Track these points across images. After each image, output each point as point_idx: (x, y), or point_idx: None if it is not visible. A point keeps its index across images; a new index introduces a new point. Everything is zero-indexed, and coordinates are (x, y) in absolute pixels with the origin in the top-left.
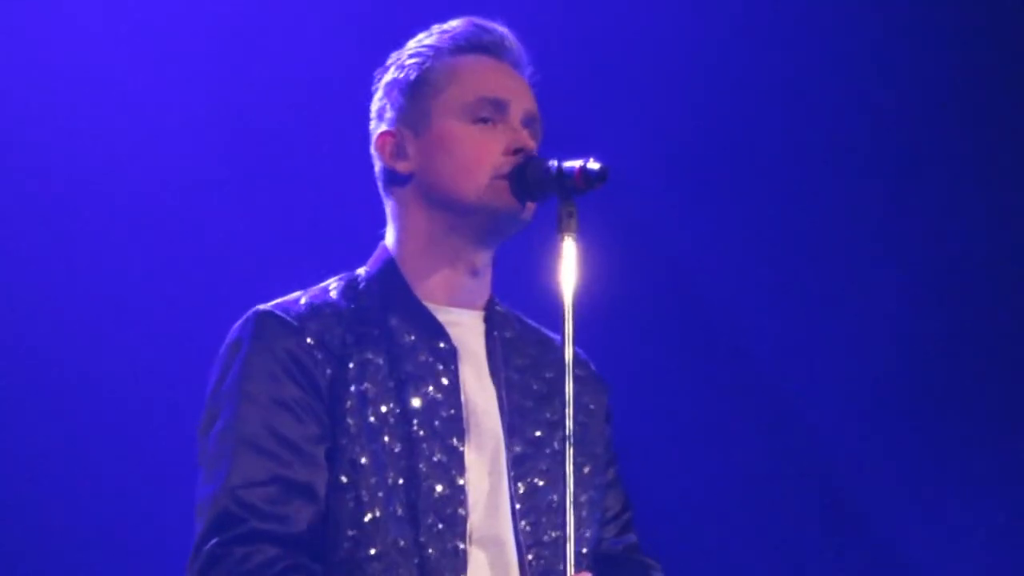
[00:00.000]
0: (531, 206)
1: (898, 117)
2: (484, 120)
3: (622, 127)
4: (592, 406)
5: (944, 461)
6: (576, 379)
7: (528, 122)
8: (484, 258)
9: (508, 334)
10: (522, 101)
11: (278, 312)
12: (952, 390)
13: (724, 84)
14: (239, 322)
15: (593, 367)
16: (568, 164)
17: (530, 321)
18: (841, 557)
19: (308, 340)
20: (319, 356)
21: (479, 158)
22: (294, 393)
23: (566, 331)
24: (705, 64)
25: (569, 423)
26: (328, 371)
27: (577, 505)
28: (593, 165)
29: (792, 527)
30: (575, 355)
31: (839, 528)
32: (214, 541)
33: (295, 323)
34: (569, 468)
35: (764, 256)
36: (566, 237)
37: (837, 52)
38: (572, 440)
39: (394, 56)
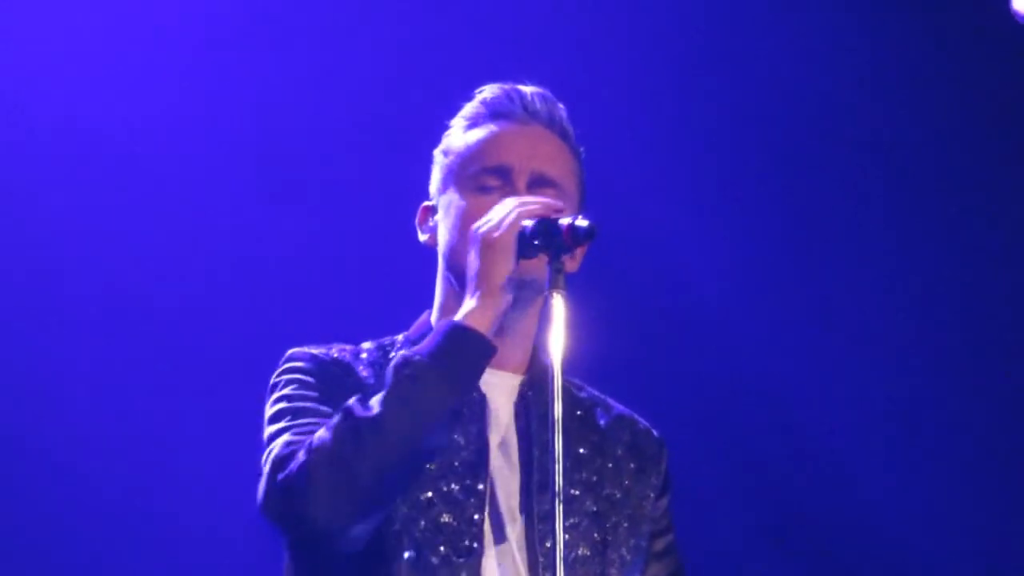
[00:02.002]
0: (527, 264)
1: (896, 132)
2: (486, 189)
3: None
4: (640, 469)
5: (954, 466)
6: (625, 443)
7: (536, 183)
8: (507, 319)
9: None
10: (529, 164)
11: (307, 347)
12: (956, 399)
13: (720, 119)
14: (278, 367)
15: (655, 433)
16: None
17: (587, 387)
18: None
19: (334, 360)
20: (347, 378)
21: (471, 224)
22: (333, 385)
23: (555, 387)
24: (702, 106)
25: (559, 479)
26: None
27: (607, 562)
28: (581, 222)
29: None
30: (630, 419)
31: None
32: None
33: (323, 355)
34: (559, 524)
35: (762, 292)
36: (555, 294)
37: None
38: (561, 497)
39: None
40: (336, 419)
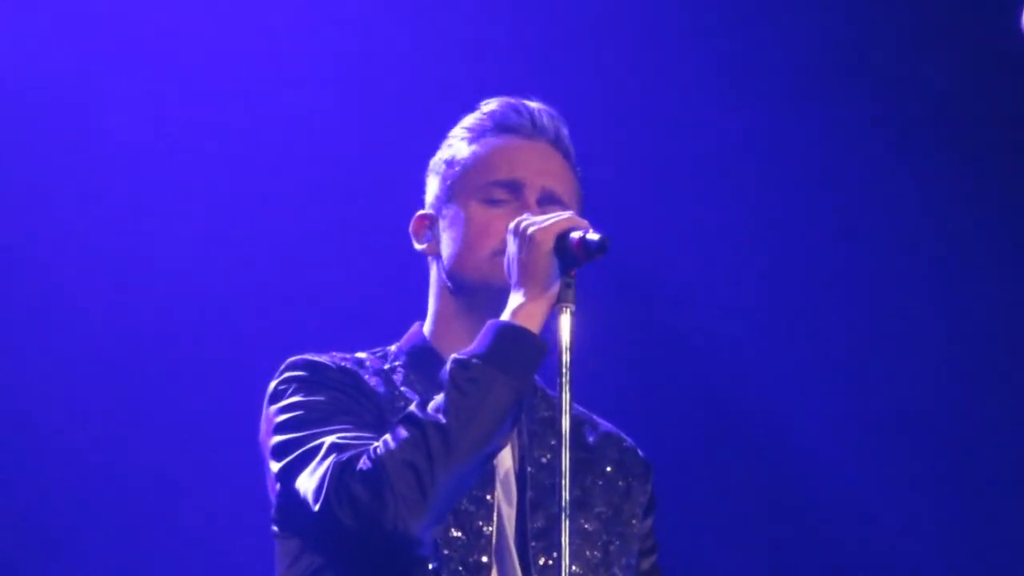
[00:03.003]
0: None
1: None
2: (496, 201)
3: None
4: (627, 488)
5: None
6: (614, 461)
7: (545, 200)
8: None
9: (545, 414)
10: (540, 180)
11: (308, 355)
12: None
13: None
14: (277, 374)
15: (641, 453)
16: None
17: (575, 404)
18: None
19: (340, 367)
20: (356, 386)
21: (481, 236)
22: (347, 390)
23: (563, 402)
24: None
25: (565, 494)
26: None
27: None
28: (593, 236)
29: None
30: (617, 437)
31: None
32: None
33: (328, 363)
34: (565, 539)
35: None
36: (564, 308)
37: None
38: (568, 511)
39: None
40: (400, 427)
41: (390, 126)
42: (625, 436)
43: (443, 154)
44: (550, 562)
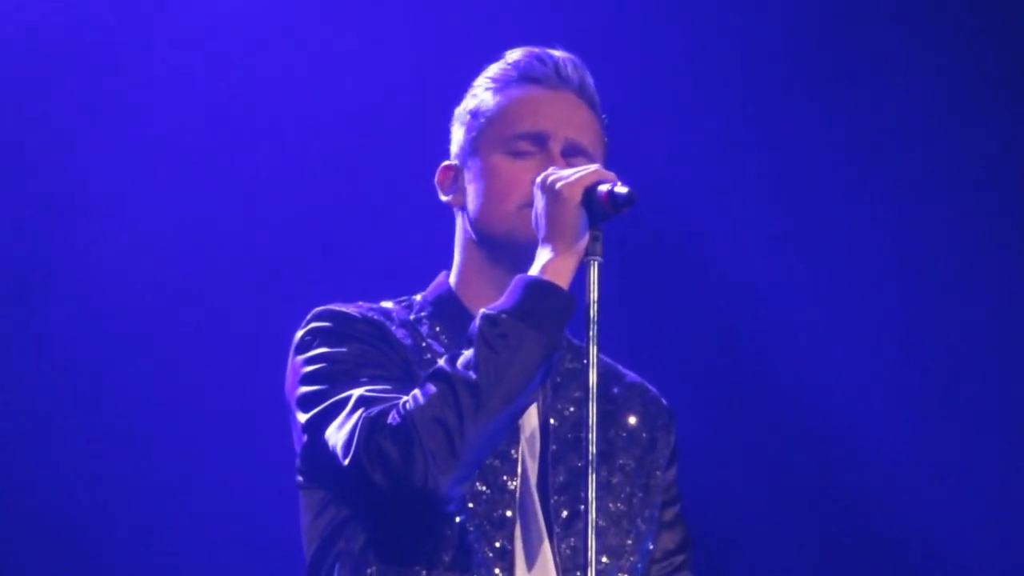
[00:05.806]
0: None
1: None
2: (521, 153)
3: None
4: (652, 439)
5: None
6: (638, 412)
7: (570, 152)
8: None
9: (570, 365)
10: (565, 131)
11: (334, 306)
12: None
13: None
14: (303, 324)
15: (664, 402)
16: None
17: (600, 354)
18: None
19: (365, 318)
20: (383, 338)
21: (508, 189)
22: (373, 341)
23: (591, 355)
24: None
25: (592, 448)
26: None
27: (623, 532)
28: (621, 189)
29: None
30: (641, 387)
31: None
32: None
33: (354, 314)
34: (592, 493)
35: (790, 256)
36: (592, 261)
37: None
38: (594, 464)
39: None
40: (430, 382)
41: (418, 73)
42: (650, 386)
43: (468, 104)
44: (568, 512)
